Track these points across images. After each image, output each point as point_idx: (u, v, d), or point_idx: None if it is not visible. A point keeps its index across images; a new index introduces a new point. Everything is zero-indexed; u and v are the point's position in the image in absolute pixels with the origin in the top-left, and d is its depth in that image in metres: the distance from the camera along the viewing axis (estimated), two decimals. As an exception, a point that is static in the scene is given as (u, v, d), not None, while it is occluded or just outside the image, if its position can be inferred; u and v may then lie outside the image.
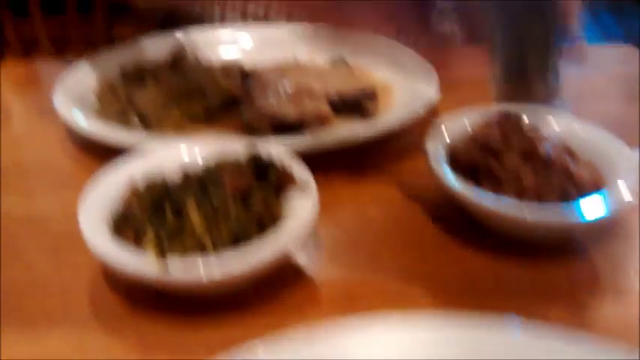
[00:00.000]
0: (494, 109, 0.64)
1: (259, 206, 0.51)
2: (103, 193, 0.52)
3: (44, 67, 0.94)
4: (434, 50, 0.68)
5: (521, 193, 0.54)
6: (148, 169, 0.55)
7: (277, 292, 0.50)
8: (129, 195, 0.51)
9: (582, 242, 0.56)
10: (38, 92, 0.82)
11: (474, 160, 0.57)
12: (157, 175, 0.54)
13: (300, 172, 0.55)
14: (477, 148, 0.58)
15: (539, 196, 0.54)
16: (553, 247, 0.55)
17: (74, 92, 0.74)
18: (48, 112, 0.72)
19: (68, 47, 0.98)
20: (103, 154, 0.64)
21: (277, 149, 0.57)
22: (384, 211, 0.61)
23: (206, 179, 0.52)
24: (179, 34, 0.87)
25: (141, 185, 0.52)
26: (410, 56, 0.83)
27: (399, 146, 0.70)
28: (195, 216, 0.48)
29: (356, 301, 0.50)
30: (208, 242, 0.47)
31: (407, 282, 0.52)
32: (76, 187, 0.55)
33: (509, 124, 0.60)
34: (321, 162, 0.63)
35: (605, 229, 0.56)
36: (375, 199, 0.63)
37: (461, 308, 0.48)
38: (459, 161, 0.58)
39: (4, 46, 1.20)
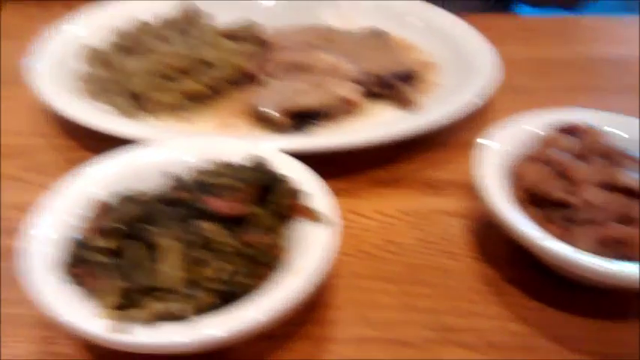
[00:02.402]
0: (563, 114, 0.50)
1: (257, 241, 0.39)
2: (59, 213, 0.41)
3: (24, 16, 0.79)
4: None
5: (602, 240, 0.41)
6: (122, 177, 0.44)
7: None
8: (92, 219, 0.40)
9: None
10: (12, 50, 0.68)
11: (542, 190, 0.44)
12: (131, 190, 0.42)
13: (318, 194, 0.43)
14: (544, 171, 0.45)
15: (623, 243, 0.41)
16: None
17: (54, 57, 0.61)
18: (21, 79, 0.59)
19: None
20: (83, 136, 0.54)
21: (290, 162, 0.44)
22: (416, 235, 0.49)
23: (194, 200, 0.40)
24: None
25: (109, 205, 0.41)
26: (464, 30, 0.68)
27: (439, 142, 0.58)
28: (172, 262, 0.37)
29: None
30: (186, 304, 0.35)
31: (442, 338, 0.41)
32: (47, 178, 0.46)
33: (585, 140, 0.47)
34: (341, 158, 0.53)
35: None
36: (405, 218, 0.50)
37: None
38: (523, 186, 0.45)
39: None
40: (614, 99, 0.67)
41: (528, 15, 0.88)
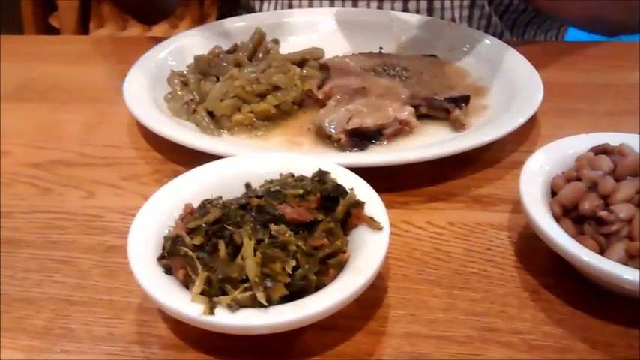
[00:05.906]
0: (603, 136, 0.55)
1: (321, 244, 0.45)
2: (157, 216, 0.48)
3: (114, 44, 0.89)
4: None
5: (632, 253, 0.45)
6: (207, 186, 0.51)
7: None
8: (182, 222, 0.47)
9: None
10: (108, 73, 0.78)
11: (579, 206, 0.48)
12: (214, 197, 0.49)
13: (374, 204, 0.48)
14: (578, 188, 0.50)
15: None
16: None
17: (146, 78, 0.70)
18: (119, 98, 0.67)
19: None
20: (170, 150, 0.61)
21: (350, 176, 0.50)
22: (463, 245, 0.54)
23: (266, 206, 0.47)
24: (259, 17, 0.82)
25: (196, 209, 0.48)
26: (512, 55, 0.73)
27: (486, 160, 0.63)
28: (249, 257, 0.43)
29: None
30: (261, 293, 0.42)
31: (484, 337, 0.46)
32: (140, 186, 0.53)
33: (618, 160, 0.51)
34: (397, 174, 0.59)
35: None
36: (453, 229, 0.55)
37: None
38: (559, 201, 0.50)
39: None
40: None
41: (574, 40, 0.92)
